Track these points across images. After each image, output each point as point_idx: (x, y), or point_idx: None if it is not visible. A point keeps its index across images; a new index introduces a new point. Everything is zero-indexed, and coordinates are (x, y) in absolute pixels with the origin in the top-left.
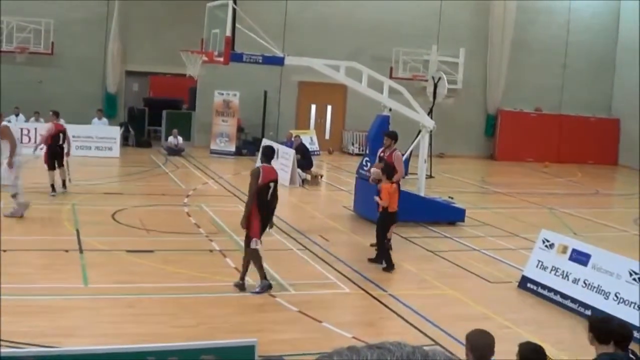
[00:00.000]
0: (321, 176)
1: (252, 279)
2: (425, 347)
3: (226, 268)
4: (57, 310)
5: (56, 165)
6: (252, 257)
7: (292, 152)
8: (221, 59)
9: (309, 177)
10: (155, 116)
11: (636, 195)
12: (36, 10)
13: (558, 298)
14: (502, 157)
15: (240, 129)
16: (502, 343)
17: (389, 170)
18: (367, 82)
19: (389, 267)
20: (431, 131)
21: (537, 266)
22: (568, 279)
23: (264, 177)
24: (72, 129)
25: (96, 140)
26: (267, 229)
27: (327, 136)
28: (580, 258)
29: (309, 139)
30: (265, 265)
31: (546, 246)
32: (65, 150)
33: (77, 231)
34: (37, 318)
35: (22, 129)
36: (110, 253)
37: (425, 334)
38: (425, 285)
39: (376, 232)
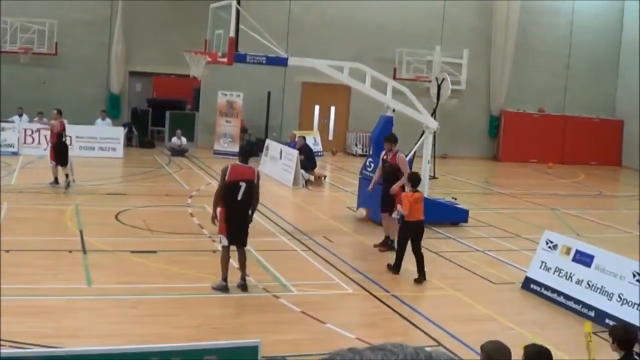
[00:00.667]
0: (324, 177)
1: (255, 278)
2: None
3: (229, 269)
4: (61, 310)
5: (60, 163)
6: (221, 253)
7: (295, 153)
8: (225, 60)
9: (312, 178)
10: (159, 117)
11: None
12: (40, 11)
13: (561, 299)
14: (506, 158)
15: (243, 130)
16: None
17: (413, 179)
18: (370, 83)
19: (395, 268)
20: (435, 132)
21: (540, 267)
22: (571, 280)
23: (231, 175)
24: (75, 130)
25: (100, 141)
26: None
27: (330, 137)
28: (584, 259)
29: (313, 139)
30: (268, 265)
31: (549, 247)
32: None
33: (81, 232)
34: (41, 319)
35: (25, 130)
36: (113, 254)
37: (429, 335)
38: (429, 286)
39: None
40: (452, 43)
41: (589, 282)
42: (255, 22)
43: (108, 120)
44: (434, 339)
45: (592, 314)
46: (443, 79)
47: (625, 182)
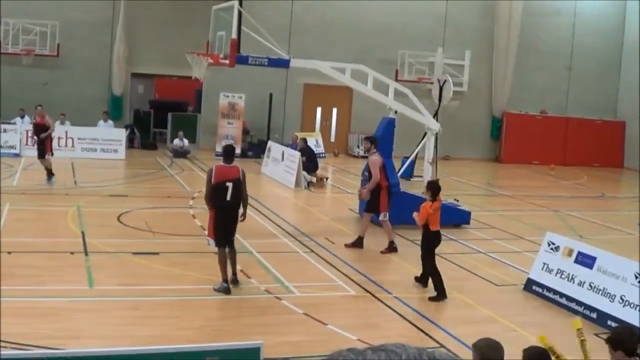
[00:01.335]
0: (326, 179)
1: (257, 280)
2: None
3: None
4: (63, 312)
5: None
6: (218, 256)
7: (297, 154)
8: (227, 61)
9: (314, 179)
10: (161, 118)
11: None
12: (42, 13)
13: (563, 301)
14: (508, 160)
15: (245, 132)
16: (508, 346)
17: (432, 187)
18: (372, 85)
19: (440, 295)
20: (437, 133)
21: (542, 269)
22: (573, 282)
23: (217, 177)
24: (77, 131)
25: (102, 143)
26: (240, 220)
27: (332, 139)
28: (586, 261)
29: (315, 141)
30: (270, 267)
31: (552, 249)
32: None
33: (83, 233)
34: (42, 320)
35: (27, 131)
36: (115, 255)
37: (431, 337)
38: (431, 287)
39: (420, 255)
40: (454, 44)
41: (591, 284)
42: (257, 24)
43: (110, 121)
44: (436, 341)
45: (594, 315)
46: (445, 81)
47: (628, 184)
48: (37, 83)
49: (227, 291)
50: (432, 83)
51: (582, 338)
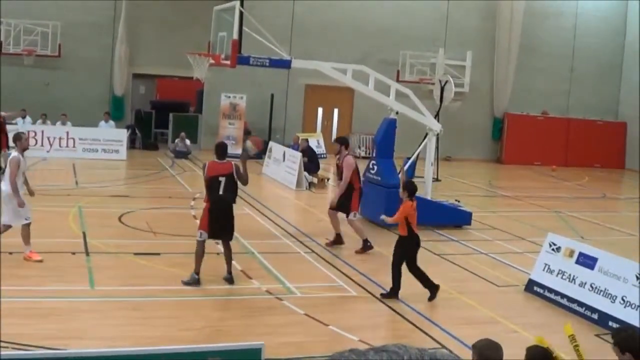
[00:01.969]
0: (328, 179)
1: (258, 281)
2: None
3: (233, 270)
4: (64, 312)
5: None
6: (196, 247)
7: (298, 155)
8: (228, 62)
9: (315, 180)
10: (162, 119)
11: None
12: (43, 13)
13: (565, 301)
14: (509, 161)
15: (247, 132)
16: (509, 347)
17: (409, 188)
18: (374, 85)
19: (391, 293)
20: (438, 134)
21: (543, 269)
22: (575, 283)
23: (209, 171)
24: (78, 132)
25: (103, 143)
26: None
27: (333, 139)
28: (587, 261)
29: (316, 142)
30: (271, 268)
31: (553, 249)
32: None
33: (84, 234)
34: (44, 321)
35: (29, 132)
36: (117, 256)
37: (432, 337)
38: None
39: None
40: (456, 45)
41: (592, 285)
42: (259, 25)
43: (111, 122)
44: (437, 342)
45: (595, 316)
46: (446, 82)
47: (629, 185)
48: (38, 83)
49: (196, 282)
50: (433, 84)
51: (575, 344)
